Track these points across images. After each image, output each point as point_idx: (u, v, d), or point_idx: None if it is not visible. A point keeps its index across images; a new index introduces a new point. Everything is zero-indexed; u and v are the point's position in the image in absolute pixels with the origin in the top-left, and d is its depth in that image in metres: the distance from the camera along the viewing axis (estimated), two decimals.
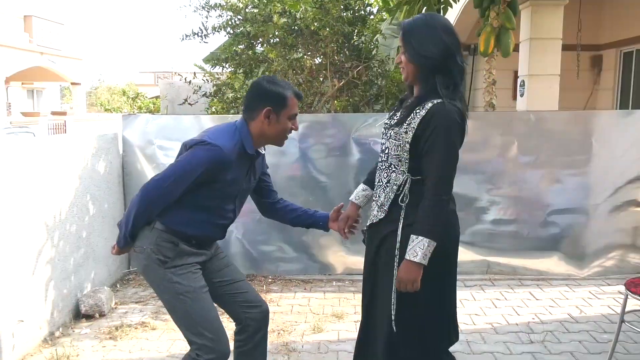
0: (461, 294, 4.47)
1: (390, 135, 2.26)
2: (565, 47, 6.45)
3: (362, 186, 2.60)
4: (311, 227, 2.74)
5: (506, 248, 4.91)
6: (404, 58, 2.26)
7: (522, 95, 6.42)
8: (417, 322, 2.28)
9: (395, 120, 2.27)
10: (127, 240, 2.34)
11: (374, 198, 2.40)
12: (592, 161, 4.81)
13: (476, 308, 4.21)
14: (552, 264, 4.89)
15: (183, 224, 2.33)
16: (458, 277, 4.93)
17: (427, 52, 2.18)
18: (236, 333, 2.58)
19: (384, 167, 2.33)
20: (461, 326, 3.85)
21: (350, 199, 2.61)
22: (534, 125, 4.83)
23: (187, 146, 2.30)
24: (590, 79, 9.55)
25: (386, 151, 2.30)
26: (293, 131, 2.47)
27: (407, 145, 2.19)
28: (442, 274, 2.34)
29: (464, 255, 4.90)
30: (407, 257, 2.13)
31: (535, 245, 4.89)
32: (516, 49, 5.80)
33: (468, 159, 4.82)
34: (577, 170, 4.84)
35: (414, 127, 2.17)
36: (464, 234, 4.84)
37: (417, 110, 2.18)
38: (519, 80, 6.58)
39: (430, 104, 2.15)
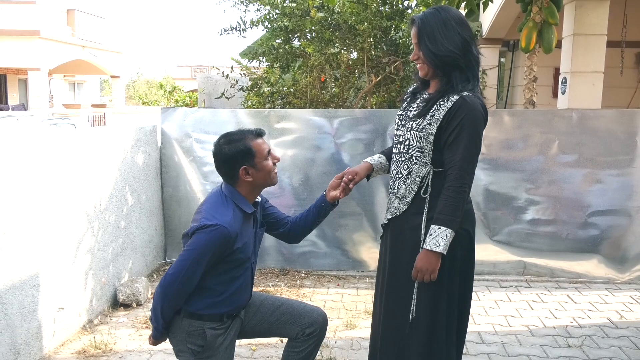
0: (496, 295, 4.42)
1: (412, 127, 2.26)
2: (609, 44, 6.27)
3: (378, 155, 2.57)
4: (322, 215, 2.60)
5: (544, 249, 4.81)
6: (421, 55, 2.26)
7: (563, 92, 6.27)
8: (443, 316, 2.28)
9: (415, 112, 2.28)
10: (162, 333, 2.33)
11: (391, 190, 2.39)
12: (635, 161, 4.67)
13: (512, 309, 4.14)
14: (592, 266, 4.77)
15: (212, 306, 2.31)
16: (494, 277, 4.90)
17: (444, 52, 2.18)
18: (291, 339, 2.55)
19: (403, 158, 2.32)
20: (496, 327, 3.81)
21: (364, 159, 2.55)
22: (575, 124, 4.71)
23: (189, 234, 2.24)
24: (635, 76, 9.27)
25: (406, 143, 2.29)
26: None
27: (431, 137, 2.20)
28: (469, 266, 2.36)
29: (500, 255, 4.82)
30: (427, 247, 2.14)
31: (574, 247, 4.78)
32: (558, 45, 5.65)
33: (507, 156, 4.75)
34: (620, 170, 4.70)
35: (438, 119, 2.18)
36: (500, 233, 4.79)
37: (442, 102, 2.19)
38: (560, 77, 6.42)
39: (456, 96, 2.17)
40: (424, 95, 2.32)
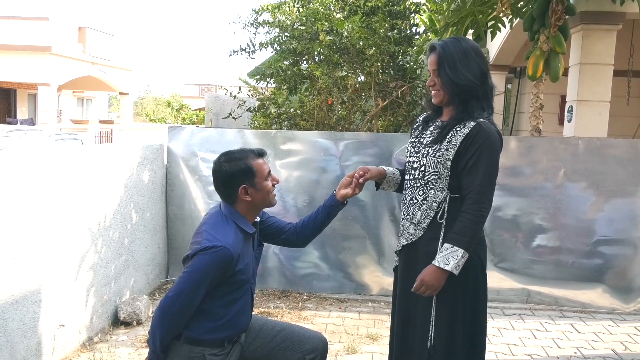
0: (500, 323, 4.38)
1: (428, 153, 2.28)
2: (616, 73, 6.29)
3: (394, 168, 2.60)
4: (332, 215, 2.56)
5: (548, 277, 4.77)
6: (438, 81, 2.28)
7: (569, 120, 6.28)
8: (458, 342, 2.25)
9: (429, 139, 2.30)
10: (158, 357, 2.26)
11: (405, 216, 2.38)
12: None
13: (515, 338, 4.10)
14: (596, 296, 4.73)
15: (213, 331, 2.27)
16: (497, 304, 4.85)
17: (464, 80, 2.22)
18: None
19: (418, 184, 2.32)
20: (499, 356, 3.77)
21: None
22: (581, 152, 4.71)
23: (190, 256, 2.21)
24: None
25: (422, 169, 2.30)
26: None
27: (448, 162, 2.22)
28: (482, 293, 2.34)
29: (504, 282, 4.79)
30: (436, 263, 2.16)
31: (578, 276, 4.74)
32: (564, 73, 5.68)
33: (512, 183, 4.74)
34: (626, 199, 4.68)
35: (455, 145, 2.20)
36: (504, 259, 4.76)
37: (458, 129, 2.22)
38: (566, 106, 6.44)
39: (472, 123, 2.21)
40: (437, 123, 2.35)
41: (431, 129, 2.35)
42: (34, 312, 3.18)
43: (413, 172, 2.35)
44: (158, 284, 4.95)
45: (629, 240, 4.69)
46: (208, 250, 2.16)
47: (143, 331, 4.01)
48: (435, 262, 2.16)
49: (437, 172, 2.25)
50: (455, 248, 2.14)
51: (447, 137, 2.23)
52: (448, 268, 2.13)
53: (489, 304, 4.65)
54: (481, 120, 2.21)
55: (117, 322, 4.13)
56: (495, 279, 4.75)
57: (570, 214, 4.71)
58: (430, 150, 2.27)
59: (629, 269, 4.70)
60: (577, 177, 4.70)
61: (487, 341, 3.98)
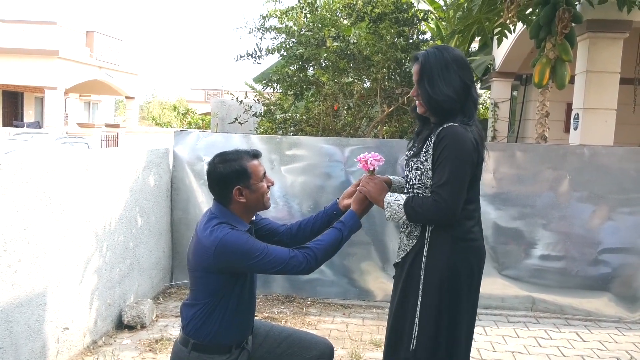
0: (504, 330, 4.36)
1: (412, 167, 2.32)
2: (622, 81, 6.28)
3: (401, 177, 2.60)
4: (330, 223, 2.54)
5: (553, 285, 4.75)
6: (420, 93, 2.30)
7: (575, 128, 6.27)
8: (436, 343, 2.25)
9: (414, 152, 2.33)
10: (356, 220, 2.39)
11: (402, 230, 2.41)
12: None
13: (519, 346, 4.08)
14: (602, 304, 4.70)
15: (218, 336, 2.27)
16: (502, 311, 4.82)
17: (440, 96, 2.22)
18: None
19: None
20: None
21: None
22: (587, 160, 4.70)
23: (214, 254, 2.19)
24: None
25: (410, 182, 2.34)
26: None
27: (429, 172, 2.24)
28: (464, 296, 2.30)
29: (508, 289, 4.77)
30: (389, 194, 2.29)
31: (584, 284, 4.72)
32: (571, 80, 5.68)
33: (517, 191, 4.73)
34: (632, 208, 4.66)
35: (431, 153, 2.22)
36: (509, 267, 4.75)
37: (432, 137, 2.24)
38: (572, 113, 6.43)
39: (441, 128, 2.21)
40: (423, 135, 2.36)
41: (417, 141, 2.38)
42: (39, 315, 3.19)
43: (407, 185, 2.39)
44: (162, 288, 4.95)
45: (635, 249, 4.67)
46: (229, 234, 2.18)
47: (147, 335, 4.02)
48: (388, 195, 2.30)
49: (422, 183, 2.27)
50: (403, 200, 2.23)
51: (424, 148, 2.25)
52: (387, 206, 2.26)
53: (493, 311, 4.68)
54: (451, 124, 2.19)
55: (121, 325, 4.13)
56: (500, 287, 4.74)
57: (576, 222, 4.70)
58: (412, 163, 2.31)
59: (635, 278, 4.68)
60: (582, 185, 4.68)
61: (492, 348, 3.98)
